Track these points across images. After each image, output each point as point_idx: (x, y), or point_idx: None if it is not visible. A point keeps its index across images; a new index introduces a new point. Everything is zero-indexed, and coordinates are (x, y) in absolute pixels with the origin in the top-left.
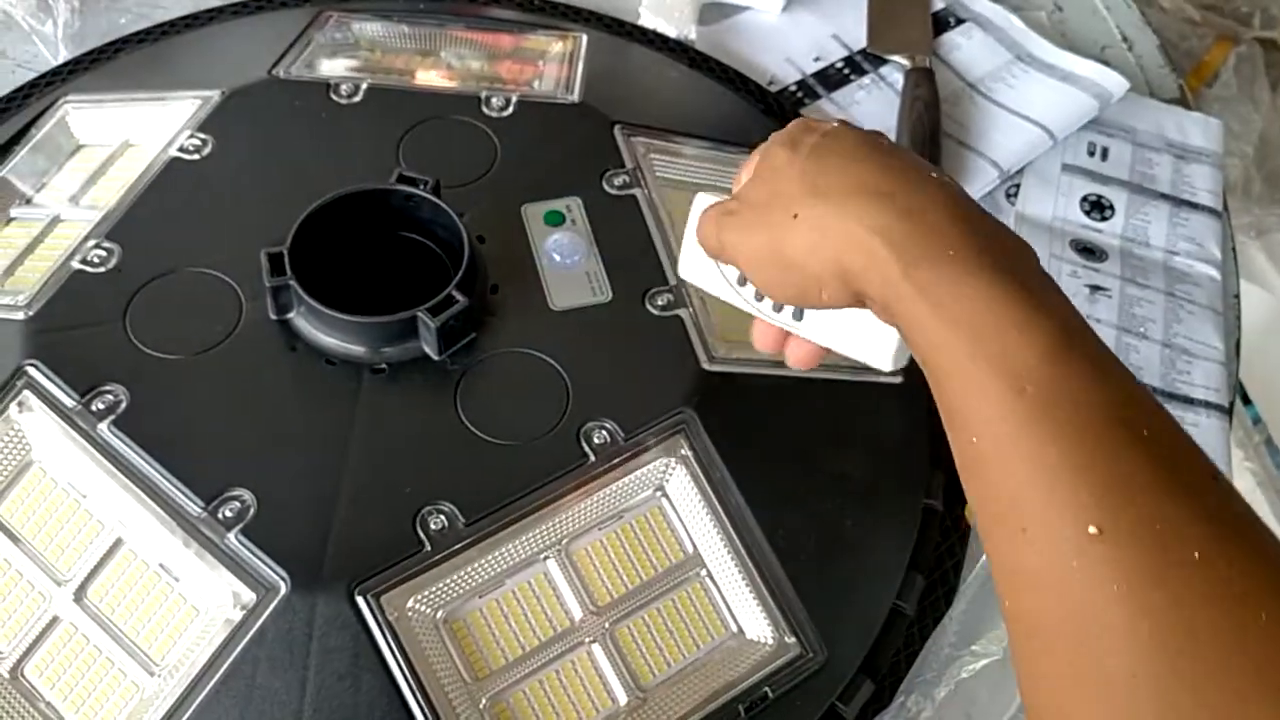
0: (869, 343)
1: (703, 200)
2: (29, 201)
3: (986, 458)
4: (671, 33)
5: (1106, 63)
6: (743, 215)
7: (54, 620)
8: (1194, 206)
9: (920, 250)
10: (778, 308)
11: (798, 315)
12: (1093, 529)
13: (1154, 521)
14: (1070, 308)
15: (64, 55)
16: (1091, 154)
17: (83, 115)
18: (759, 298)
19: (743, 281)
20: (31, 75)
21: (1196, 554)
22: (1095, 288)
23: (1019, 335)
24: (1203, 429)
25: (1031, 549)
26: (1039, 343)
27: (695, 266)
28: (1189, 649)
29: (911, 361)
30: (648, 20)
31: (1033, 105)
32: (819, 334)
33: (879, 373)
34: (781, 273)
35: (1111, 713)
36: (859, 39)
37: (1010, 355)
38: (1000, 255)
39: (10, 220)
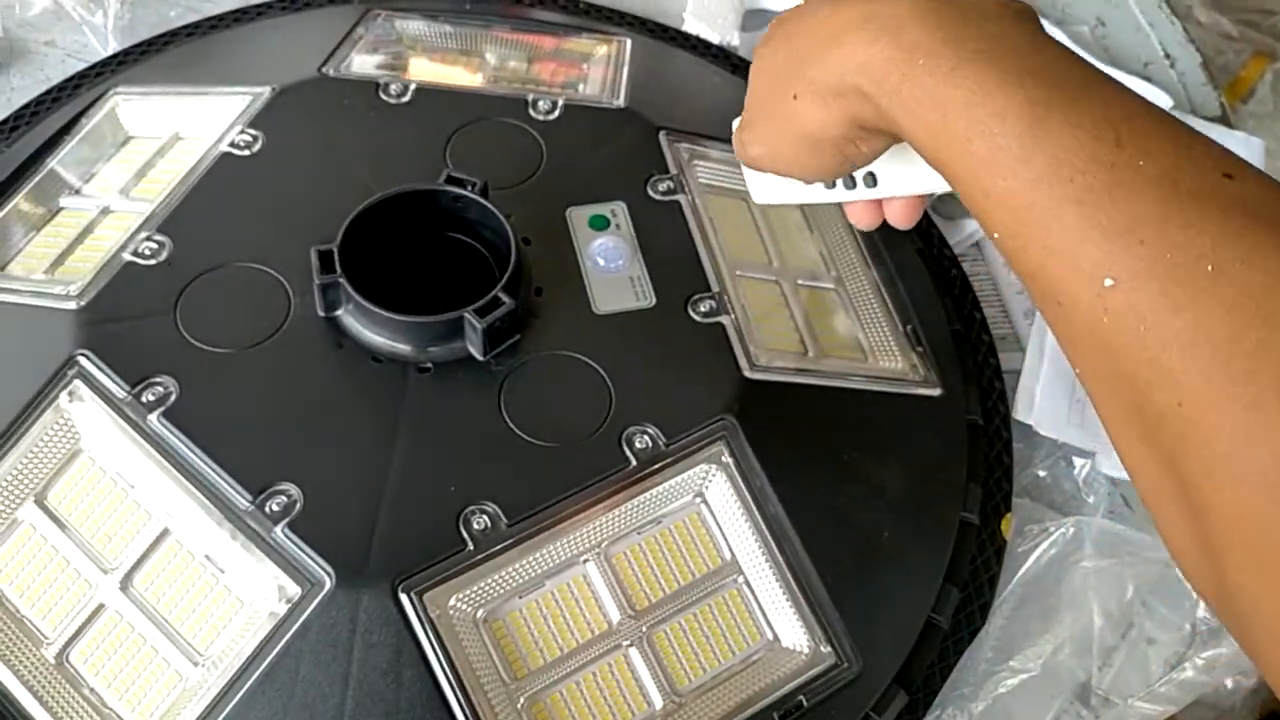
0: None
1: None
2: (78, 192)
3: (1009, 248)
4: (715, 39)
5: (1149, 79)
6: (754, 125)
7: (100, 608)
8: None
9: (898, 72)
10: (850, 184)
11: (870, 181)
12: (1108, 281)
13: (1164, 253)
14: (1049, 60)
15: (113, 46)
16: None
17: (132, 107)
18: (831, 184)
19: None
20: (81, 65)
21: (1210, 267)
22: None
23: (997, 124)
24: None
25: (1072, 316)
26: (1012, 126)
27: (761, 187)
28: (1220, 363)
29: (945, 369)
30: (691, 26)
31: None
32: (900, 185)
33: (920, 382)
34: (816, 153)
35: (1171, 446)
36: None
37: (994, 146)
38: (972, 40)
39: (59, 210)
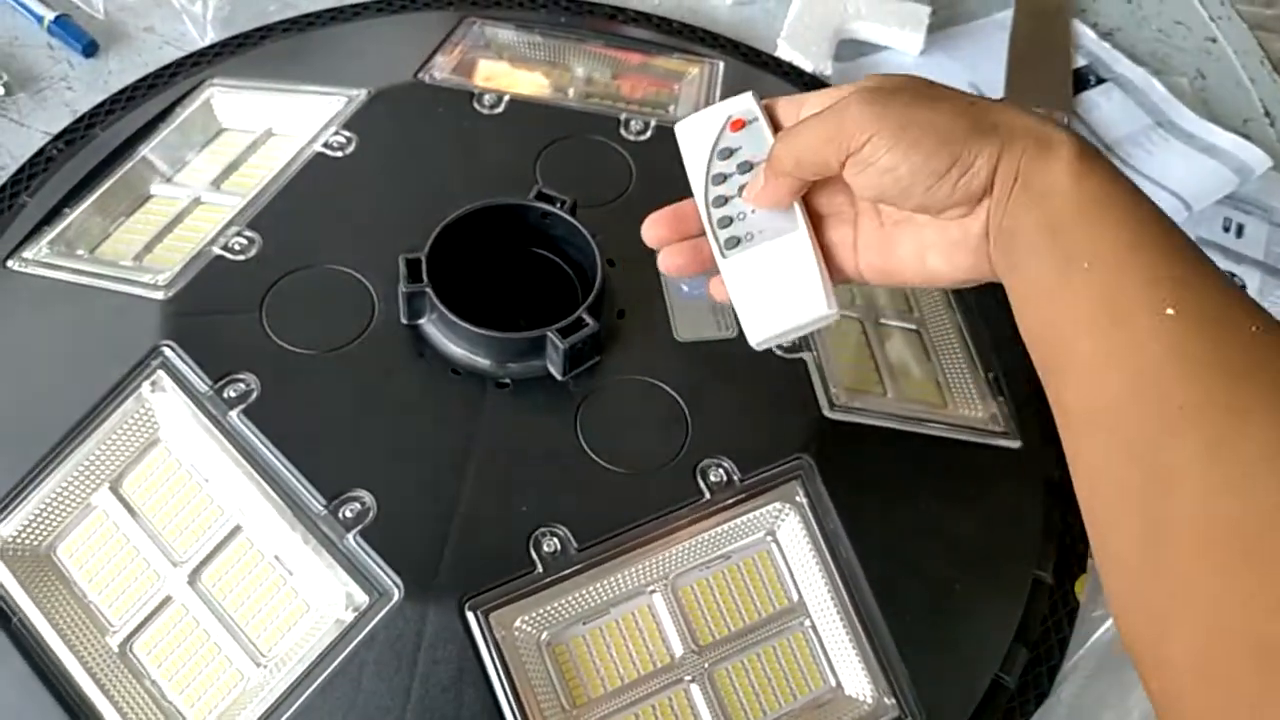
0: (762, 310)
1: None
2: (169, 180)
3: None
4: (808, 67)
5: (1247, 136)
6: (900, 95)
7: (166, 600)
8: None
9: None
10: (724, 223)
11: (730, 244)
12: (1170, 310)
13: (1218, 308)
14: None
15: (211, 37)
16: (1226, 229)
17: (227, 99)
18: (718, 203)
19: (719, 180)
20: (177, 54)
21: (1255, 327)
22: None
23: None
24: None
25: (1110, 344)
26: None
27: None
28: (1233, 419)
29: (1025, 422)
30: (784, 52)
31: (1170, 174)
32: (732, 274)
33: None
34: (934, 145)
35: (1164, 480)
36: (996, 88)
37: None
38: (1085, 157)
39: (149, 197)
